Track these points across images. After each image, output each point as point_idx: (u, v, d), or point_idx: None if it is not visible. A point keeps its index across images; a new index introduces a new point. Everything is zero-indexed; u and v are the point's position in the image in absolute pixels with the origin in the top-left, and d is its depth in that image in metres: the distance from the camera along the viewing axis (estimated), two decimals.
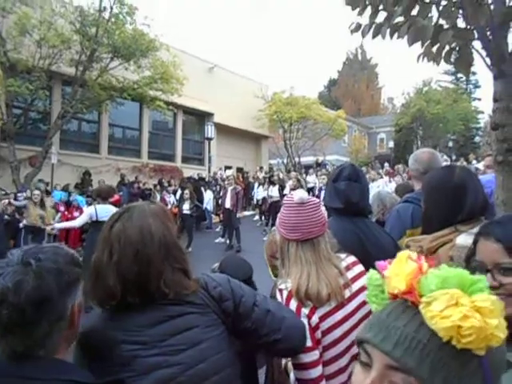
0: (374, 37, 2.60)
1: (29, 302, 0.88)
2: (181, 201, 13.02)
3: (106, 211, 5.95)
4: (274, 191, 12.42)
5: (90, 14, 12.27)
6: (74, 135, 15.56)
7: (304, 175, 18.51)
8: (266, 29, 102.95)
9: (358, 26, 2.68)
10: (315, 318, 1.37)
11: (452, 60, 2.61)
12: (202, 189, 14.35)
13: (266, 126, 23.37)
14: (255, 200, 15.18)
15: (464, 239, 1.40)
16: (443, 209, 1.60)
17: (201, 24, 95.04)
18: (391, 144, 31.16)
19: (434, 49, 2.56)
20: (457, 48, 2.47)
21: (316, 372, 1.35)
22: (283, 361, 1.63)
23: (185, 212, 11.40)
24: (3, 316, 0.87)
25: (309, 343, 1.35)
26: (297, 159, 24.23)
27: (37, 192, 9.46)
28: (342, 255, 1.53)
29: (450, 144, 34.30)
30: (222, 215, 12.05)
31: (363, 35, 2.64)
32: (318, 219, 1.48)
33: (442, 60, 2.57)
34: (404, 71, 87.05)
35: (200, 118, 20.36)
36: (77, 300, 1.02)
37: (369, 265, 0.95)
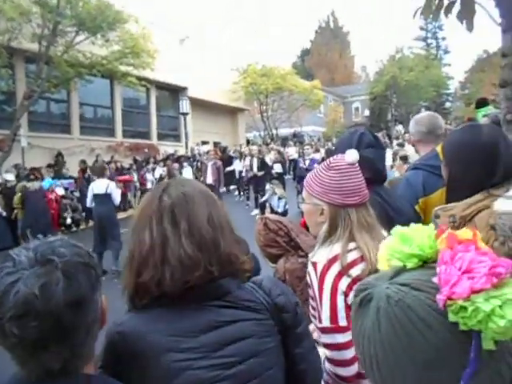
0: None
1: (63, 306, 0.72)
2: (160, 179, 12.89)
3: (100, 185, 6.99)
4: (254, 165, 12.24)
5: None
6: (43, 116, 14.80)
7: (282, 148, 18.42)
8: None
9: None
10: (352, 295, 1.28)
11: (451, 14, 2.51)
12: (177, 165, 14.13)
13: (241, 98, 22.95)
14: (237, 174, 15.00)
15: (504, 205, 1.30)
16: (474, 171, 1.44)
17: None
18: (366, 112, 31.31)
19: (434, 3, 2.46)
20: (458, 1, 2.37)
21: (351, 353, 1.26)
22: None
23: None
24: (31, 330, 0.70)
25: (344, 323, 1.26)
26: (274, 131, 24.05)
27: None
28: (379, 226, 1.44)
29: (423, 110, 34.78)
30: None
31: None
32: (364, 181, 1.38)
33: (442, 14, 2.47)
34: (375, 39, 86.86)
35: (174, 92, 19.75)
36: (102, 295, 0.88)
37: None
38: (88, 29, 12.14)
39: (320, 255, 1.33)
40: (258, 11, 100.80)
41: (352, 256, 1.29)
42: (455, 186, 1.54)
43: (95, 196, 6.94)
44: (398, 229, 0.73)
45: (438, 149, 2.03)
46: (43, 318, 0.70)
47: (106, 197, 6.91)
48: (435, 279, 0.60)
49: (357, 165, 1.38)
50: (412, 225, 0.73)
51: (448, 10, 2.40)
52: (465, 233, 0.67)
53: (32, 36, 11.75)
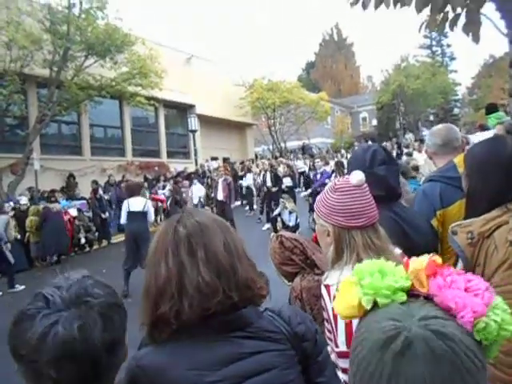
0: (376, 7, 2.48)
1: (100, 348, 0.72)
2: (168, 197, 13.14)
3: (137, 202, 6.97)
4: (267, 179, 12.21)
5: (58, 11, 11.80)
6: (55, 138, 15.07)
7: (292, 160, 18.45)
8: (238, 15, 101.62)
9: None
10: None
11: (456, 27, 2.51)
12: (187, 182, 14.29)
13: (249, 113, 23.12)
14: (244, 189, 15.00)
15: None
16: (494, 186, 1.44)
17: (172, 15, 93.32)
18: (374, 122, 31.27)
19: (439, 16, 2.47)
20: (463, 14, 2.38)
21: None
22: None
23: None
24: (68, 373, 0.69)
25: None
26: (282, 145, 24.11)
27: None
28: (391, 246, 1.41)
29: (431, 118, 34.66)
30: (214, 208, 11.90)
31: (364, 7, 2.52)
32: (373, 201, 1.36)
33: (447, 27, 2.48)
34: (380, 49, 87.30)
35: (182, 110, 19.99)
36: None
37: (414, 253, 0.86)
38: (97, 53, 12.43)
39: (332, 278, 1.32)
40: (261, 27, 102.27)
41: None
42: (475, 198, 1.53)
43: (130, 213, 6.89)
44: (362, 266, 0.70)
45: (456, 160, 2.02)
46: (81, 361, 0.70)
47: (142, 214, 6.91)
48: (452, 304, 0.60)
49: (364, 186, 1.35)
50: (391, 260, 0.72)
51: (453, 23, 2.40)
52: (437, 258, 0.69)
53: (43, 62, 12.06)
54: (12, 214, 9.70)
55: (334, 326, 1.28)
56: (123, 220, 7.15)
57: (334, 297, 1.26)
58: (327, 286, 1.30)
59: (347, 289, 0.70)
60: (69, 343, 0.69)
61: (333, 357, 1.40)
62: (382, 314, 0.63)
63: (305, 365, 1.03)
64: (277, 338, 1.00)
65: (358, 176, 1.34)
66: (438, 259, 0.68)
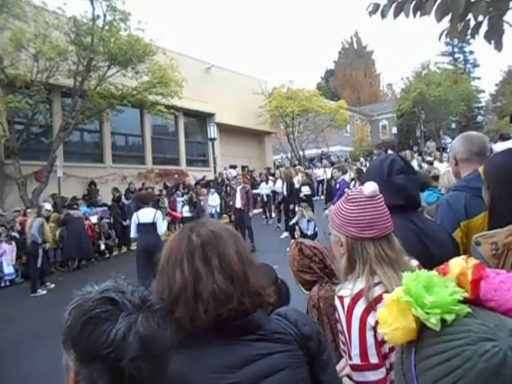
0: (395, 16, 2.46)
1: (170, 348, 0.79)
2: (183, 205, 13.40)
3: (146, 213, 6.73)
4: (284, 187, 12.18)
5: (83, 24, 12.17)
6: (77, 146, 15.45)
7: (310, 169, 18.37)
8: (257, 25, 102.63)
9: (377, 7, 2.55)
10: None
11: (478, 35, 2.47)
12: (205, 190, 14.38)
13: (267, 122, 23.19)
14: (263, 197, 14.96)
15: None
16: None
17: (193, 25, 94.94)
18: (394, 130, 30.90)
19: (460, 25, 2.44)
20: (485, 21, 2.35)
21: None
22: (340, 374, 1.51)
23: (185, 215, 11.83)
24: (146, 370, 0.74)
25: (375, 360, 1.22)
26: (301, 153, 24.06)
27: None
28: (406, 258, 1.38)
29: (453, 126, 34.00)
30: (232, 216, 11.92)
31: (383, 16, 2.51)
32: (388, 212, 1.34)
33: (469, 35, 2.45)
34: (400, 56, 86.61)
35: (201, 119, 20.21)
36: None
37: (431, 264, 0.85)
38: (119, 63, 12.73)
39: (345, 290, 1.31)
40: (281, 36, 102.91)
41: (377, 291, 1.25)
42: (498, 210, 1.49)
43: (141, 225, 6.66)
44: (411, 283, 0.66)
45: (480, 169, 1.94)
46: (154, 359, 0.75)
47: (153, 226, 6.66)
48: None
49: (377, 197, 1.34)
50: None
51: (475, 31, 2.37)
52: (473, 260, 0.67)
53: (68, 72, 12.45)
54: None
55: (347, 338, 1.26)
56: (133, 234, 6.85)
57: (348, 309, 1.25)
58: (341, 298, 1.29)
59: (399, 311, 0.64)
60: (149, 341, 0.73)
61: (347, 370, 1.38)
62: (462, 333, 0.58)
63: (310, 363, 1.06)
64: (286, 340, 1.03)
65: (371, 187, 1.33)
66: (474, 260, 0.66)
